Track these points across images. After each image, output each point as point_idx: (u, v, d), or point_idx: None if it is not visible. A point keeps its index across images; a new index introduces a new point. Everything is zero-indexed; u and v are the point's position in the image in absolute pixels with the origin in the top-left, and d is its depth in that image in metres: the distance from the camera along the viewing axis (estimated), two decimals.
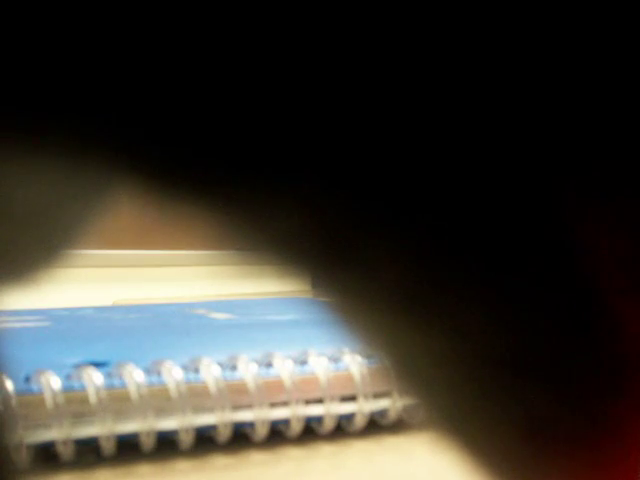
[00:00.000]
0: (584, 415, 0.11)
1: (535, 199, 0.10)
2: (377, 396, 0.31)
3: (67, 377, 0.28)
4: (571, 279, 0.10)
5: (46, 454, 0.27)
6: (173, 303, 0.56)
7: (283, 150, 0.09)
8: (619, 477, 0.11)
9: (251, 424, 0.30)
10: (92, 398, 0.28)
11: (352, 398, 0.31)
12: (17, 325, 0.38)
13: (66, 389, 0.27)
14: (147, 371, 0.29)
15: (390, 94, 0.09)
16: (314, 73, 0.09)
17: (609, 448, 0.11)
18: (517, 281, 0.10)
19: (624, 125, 0.09)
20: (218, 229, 0.10)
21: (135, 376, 0.28)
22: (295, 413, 0.30)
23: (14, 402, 0.26)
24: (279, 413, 0.30)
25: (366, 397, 0.31)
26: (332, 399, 0.30)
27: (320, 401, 0.30)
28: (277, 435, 0.30)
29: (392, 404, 0.31)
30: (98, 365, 0.29)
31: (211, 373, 0.29)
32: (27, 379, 0.28)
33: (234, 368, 0.30)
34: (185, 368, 0.29)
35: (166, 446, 0.29)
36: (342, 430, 0.31)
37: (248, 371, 0.30)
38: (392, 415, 0.31)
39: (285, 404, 0.30)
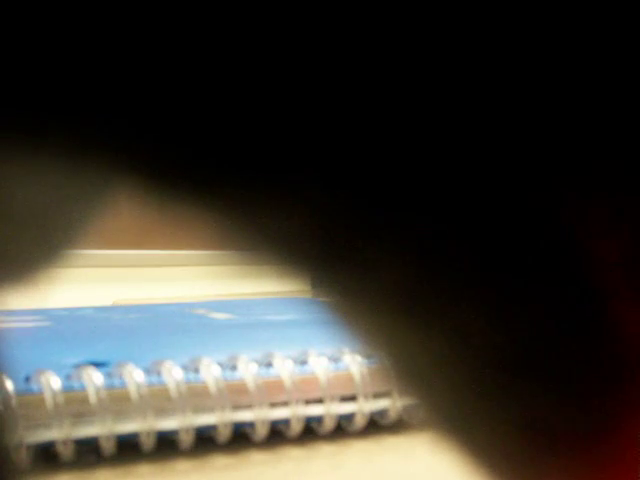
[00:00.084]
0: (584, 415, 0.11)
1: (535, 199, 0.10)
2: (377, 396, 0.31)
3: (67, 377, 0.28)
4: (571, 279, 0.10)
5: (46, 454, 0.27)
6: (173, 303, 0.56)
7: (283, 150, 0.09)
8: (619, 477, 0.11)
9: (251, 424, 0.30)
10: (92, 398, 0.28)
11: (352, 398, 0.31)
12: (17, 325, 0.38)
13: (66, 389, 0.27)
14: (147, 371, 0.29)
15: (390, 95, 0.09)
16: (315, 74, 0.09)
17: (609, 448, 0.11)
18: (517, 281, 0.10)
19: (624, 125, 0.09)
20: (218, 229, 0.10)
21: (135, 376, 0.28)
22: (295, 413, 0.30)
23: (14, 402, 0.26)
24: (279, 413, 0.30)
25: (366, 397, 0.31)
26: (332, 399, 0.30)
27: (320, 401, 0.30)
28: (277, 435, 0.30)
29: (392, 404, 0.31)
30: (98, 365, 0.29)
31: (211, 373, 0.29)
32: (27, 379, 0.28)
33: (234, 368, 0.30)
34: (185, 368, 0.29)
35: (166, 446, 0.29)
36: (342, 430, 0.31)
37: (248, 371, 0.30)
38: (392, 415, 0.31)
39: (285, 404, 0.30)
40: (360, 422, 0.31)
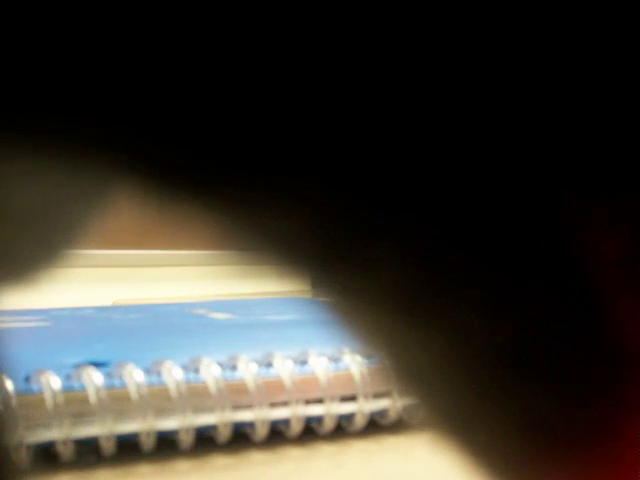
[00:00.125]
0: (584, 415, 0.11)
1: (535, 199, 0.10)
2: (377, 396, 0.31)
3: (67, 377, 0.28)
4: (571, 279, 0.10)
5: (46, 454, 0.27)
6: (173, 303, 0.56)
7: (283, 150, 0.09)
8: (619, 477, 0.11)
9: (251, 424, 0.30)
10: (92, 398, 0.28)
11: (352, 398, 0.31)
12: (17, 325, 0.38)
13: (66, 389, 0.27)
14: (147, 371, 0.29)
15: (390, 95, 0.09)
16: (314, 74, 0.09)
17: (609, 448, 0.11)
18: (517, 281, 0.10)
19: (624, 125, 0.09)
20: (218, 229, 0.10)
21: (135, 376, 0.28)
22: (295, 413, 0.30)
23: (14, 402, 0.26)
24: (279, 413, 0.30)
25: (366, 397, 0.31)
26: (332, 399, 0.30)
27: (320, 401, 0.30)
28: (277, 435, 0.30)
29: (392, 404, 0.31)
30: (98, 365, 0.29)
31: (211, 373, 0.29)
32: (27, 379, 0.28)
33: (234, 368, 0.30)
34: (185, 368, 0.29)
35: (166, 446, 0.29)
36: (342, 430, 0.31)
37: (248, 371, 0.30)
38: (392, 415, 0.31)
39: (285, 404, 0.30)
40: (360, 422, 0.31)
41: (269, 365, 0.30)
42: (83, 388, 0.28)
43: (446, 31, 0.09)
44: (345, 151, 0.09)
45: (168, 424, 0.28)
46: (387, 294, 0.10)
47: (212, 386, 0.29)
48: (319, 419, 0.31)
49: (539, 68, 0.09)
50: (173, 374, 0.29)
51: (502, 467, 0.11)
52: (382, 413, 0.32)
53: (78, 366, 0.29)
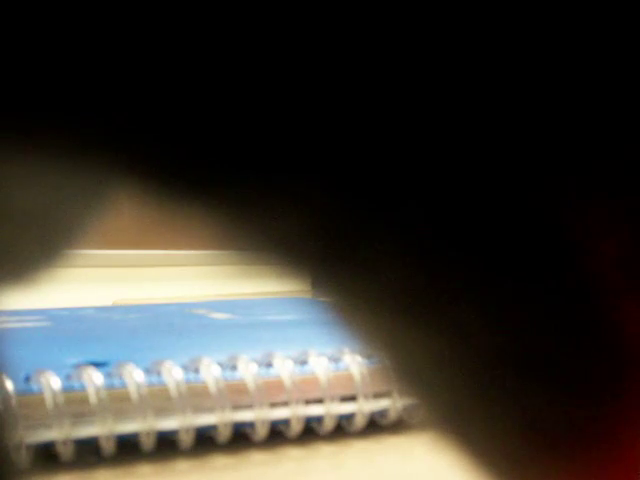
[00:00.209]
0: (584, 415, 0.11)
1: (535, 199, 0.10)
2: (377, 396, 0.31)
3: (67, 377, 0.28)
4: (571, 279, 0.10)
5: (46, 454, 0.27)
6: (173, 303, 0.56)
7: (283, 150, 0.09)
8: (619, 477, 0.11)
9: (251, 424, 0.30)
10: (92, 398, 0.28)
11: (352, 398, 0.31)
12: (17, 325, 0.38)
13: (66, 389, 0.27)
14: (147, 371, 0.29)
15: (390, 95, 0.09)
16: (313, 74, 0.09)
17: (609, 448, 0.11)
18: (517, 281, 0.10)
19: (624, 125, 0.09)
20: (218, 229, 0.10)
21: (135, 376, 0.28)
22: (295, 413, 0.30)
23: (14, 402, 0.26)
24: (279, 413, 0.30)
25: (366, 397, 0.31)
26: (332, 399, 0.30)
27: (320, 401, 0.30)
28: (277, 435, 0.30)
29: (392, 404, 0.31)
30: (98, 365, 0.29)
31: (211, 373, 0.29)
32: (27, 379, 0.28)
33: (234, 368, 0.30)
34: (185, 368, 0.29)
35: (166, 446, 0.29)
36: (342, 430, 0.31)
37: (248, 371, 0.30)
38: (392, 415, 0.31)
39: (285, 404, 0.30)
40: (360, 422, 0.31)
41: (269, 365, 0.30)
42: (83, 388, 0.28)
43: (446, 31, 0.09)
44: (345, 151, 0.09)
45: (168, 424, 0.28)
46: (387, 294, 0.10)
47: (212, 386, 0.29)
48: (319, 419, 0.31)
49: (539, 68, 0.09)
50: (173, 374, 0.29)
51: (502, 467, 0.11)
52: (382, 413, 0.32)
53: (78, 366, 0.29)
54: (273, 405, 0.30)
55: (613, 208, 0.10)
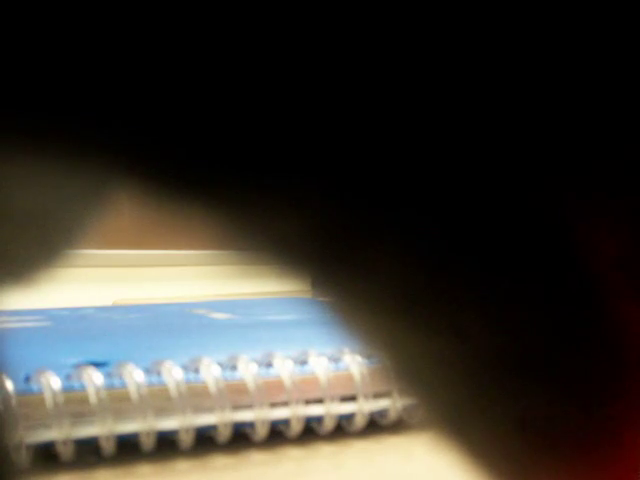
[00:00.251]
0: (584, 415, 0.11)
1: (535, 200, 0.10)
2: (377, 396, 0.31)
3: (67, 377, 0.28)
4: (571, 279, 0.10)
5: (46, 454, 0.27)
6: (173, 303, 0.56)
7: (283, 151, 0.09)
8: (619, 477, 0.11)
9: (251, 424, 0.30)
10: (92, 398, 0.28)
11: (352, 398, 0.31)
12: (17, 325, 0.38)
13: (66, 389, 0.27)
14: (147, 371, 0.29)
15: (389, 96, 0.09)
16: (313, 75, 0.09)
17: (609, 448, 0.11)
18: (516, 281, 0.10)
19: (624, 125, 0.09)
20: (218, 229, 0.10)
21: (135, 376, 0.28)
22: (295, 413, 0.30)
23: (14, 402, 0.26)
24: (279, 413, 0.30)
25: (366, 397, 0.31)
26: (332, 399, 0.30)
27: (320, 401, 0.30)
28: (277, 435, 0.30)
29: (392, 404, 0.31)
30: (98, 365, 0.29)
31: (211, 373, 0.29)
32: (27, 379, 0.28)
33: (234, 368, 0.30)
34: (185, 368, 0.29)
35: (166, 446, 0.29)
36: (342, 430, 0.31)
37: (248, 371, 0.30)
38: (392, 415, 0.31)
39: (285, 404, 0.30)
40: (360, 422, 0.31)
41: (269, 365, 0.30)
42: (83, 388, 0.28)
43: (446, 31, 0.09)
44: (345, 151, 0.09)
45: (168, 424, 0.28)
46: (387, 294, 0.10)
47: (212, 386, 0.29)
48: (319, 419, 0.31)
49: (539, 68, 0.09)
50: (173, 374, 0.29)
51: (502, 467, 0.11)
52: (382, 413, 0.32)
53: (78, 366, 0.29)
54: (273, 405, 0.30)
55: (613, 208, 0.10)
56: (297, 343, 0.32)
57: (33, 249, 0.13)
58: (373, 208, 0.10)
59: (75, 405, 0.27)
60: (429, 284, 0.10)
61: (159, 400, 0.28)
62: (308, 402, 0.30)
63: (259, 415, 0.29)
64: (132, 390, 0.28)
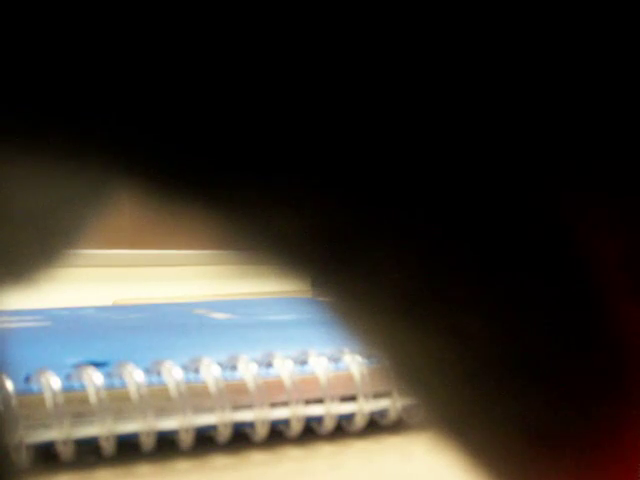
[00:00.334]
0: (584, 415, 0.11)
1: (535, 200, 0.10)
2: (377, 396, 0.31)
3: (67, 377, 0.28)
4: (571, 279, 0.10)
5: (46, 454, 0.27)
6: (173, 303, 0.56)
7: (283, 151, 0.09)
8: (619, 477, 0.11)
9: (251, 424, 0.30)
10: (92, 398, 0.28)
11: (352, 398, 0.31)
12: (17, 325, 0.38)
13: (66, 389, 0.27)
14: (147, 371, 0.29)
15: (390, 96, 0.09)
16: (314, 75, 0.09)
17: (609, 448, 0.11)
18: (517, 282, 0.10)
19: (624, 125, 0.09)
20: (218, 229, 0.10)
21: (135, 376, 0.28)
22: (295, 413, 0.30)
23: (14, 402, 0.26)
24: (279, 413, 0.30)
25: (366, 397, 0.31)
26: (332, 399, 0.30)
27: (320, 401, 0.30)
28: (277, 435, 0.30)
29: (392, 404, 0.31)
30: (98, 365, 0.29)
31: (211, 373, 0.29)
32: (27, 379, 0.28)
33: (234, 368, 0.30)
34: (185, 368, 0.29)
35: (166, 446, 0.29)
36: (342, 430, 0.31)
37: (248, 371, 0.30)
38: (392, 415, 0.31)
39: (285, 404, 0.30)
40: (360, 422, 0.31)
41: (269, 365, 0.30)
42: (83, 388, 0.28)
43: (446, 30, 0.09)
44: (346, 152, 0.09)
45: (168, 424, 0.28)
46: (387, 294, 0.10)
47: (212, 386, 0.29)
48: (319, 419, 0.31)
49: (540, 68, 0.09)
50: (173, 374, 0.29)
51: (502, 467, 0.11)
52: (382, 413, 0.32)
53: (78, 366, 0.29)
54: (273, 405, 0.30)
55: (613, 208, 0.10)
56: (297, 343, 0.32)
57: (33, 249, 0.13)
58: (373, 208, 0.10)
59: (75, 405, 0.27)
60: (429, 285, 0.10)
61: (159, 400, 0.28)
62: (308, 402, 0.30)
63: (259, 415, 0.29)
64: (132, 390, 0.28)
